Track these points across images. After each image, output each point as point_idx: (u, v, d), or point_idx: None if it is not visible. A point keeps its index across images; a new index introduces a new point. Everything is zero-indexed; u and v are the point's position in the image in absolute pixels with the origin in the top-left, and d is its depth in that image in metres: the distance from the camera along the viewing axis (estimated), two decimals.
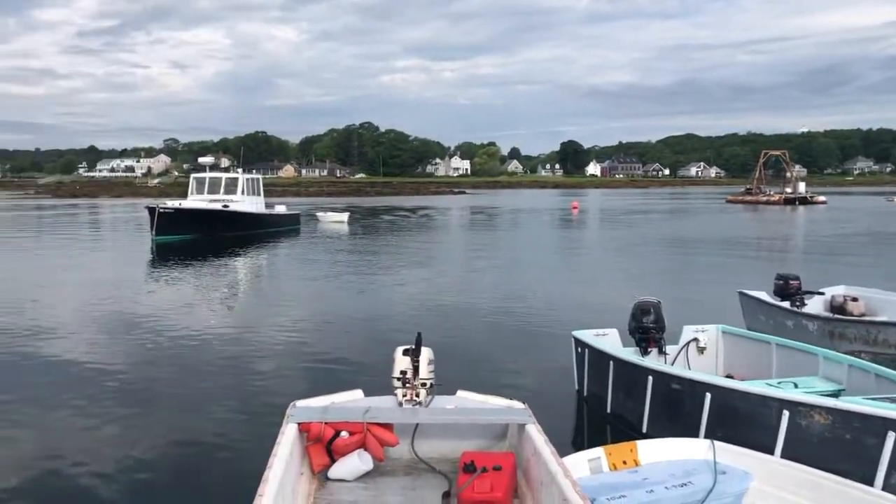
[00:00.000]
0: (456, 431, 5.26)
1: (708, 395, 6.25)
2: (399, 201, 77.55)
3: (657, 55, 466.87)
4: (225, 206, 32.67)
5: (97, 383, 9.40)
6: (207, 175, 35.46)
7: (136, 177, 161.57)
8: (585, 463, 5.11)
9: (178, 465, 6.79)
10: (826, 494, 4.60)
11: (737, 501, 4.80)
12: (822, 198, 69.17)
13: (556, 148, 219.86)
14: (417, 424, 5.23)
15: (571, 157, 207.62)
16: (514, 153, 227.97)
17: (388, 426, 5.08)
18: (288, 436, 4.72)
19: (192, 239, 29.61)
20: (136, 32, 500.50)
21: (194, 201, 33.39)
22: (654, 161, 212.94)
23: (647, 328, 8.00)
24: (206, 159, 39.30)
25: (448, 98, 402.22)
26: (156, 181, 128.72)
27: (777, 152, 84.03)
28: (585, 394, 8.35)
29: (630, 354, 7.64)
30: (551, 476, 4.15)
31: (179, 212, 30.81)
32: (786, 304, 10.66)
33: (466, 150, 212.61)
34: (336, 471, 4.94)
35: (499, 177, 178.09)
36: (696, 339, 8.34)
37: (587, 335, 8.26)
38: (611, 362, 7.57)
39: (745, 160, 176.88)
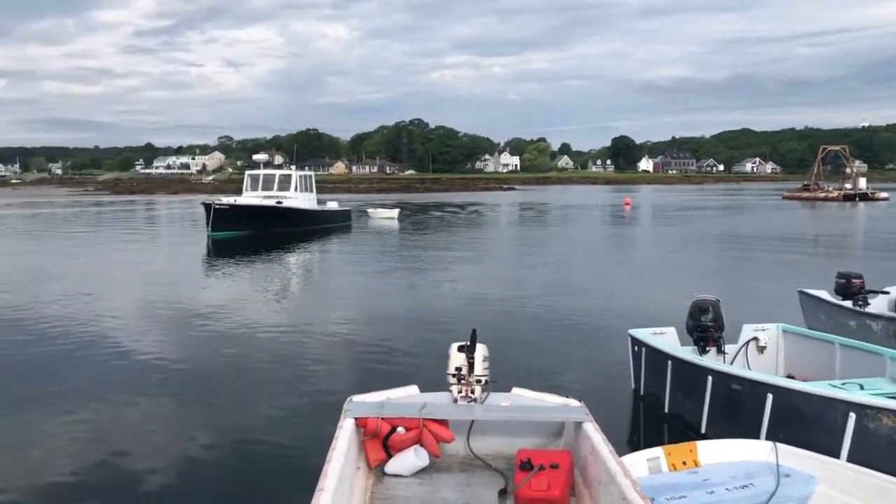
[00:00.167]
0: (511, 429, 5.24)
1: (770, 396, 6.11)
2: (448, 198, 77.62)
3: (712, 49, 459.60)
4: (278, 202, 33.09)
5: (154, 376, 9.60)
6: (261, 172, 35.97)
7: (191, 174, 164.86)
8: (644, 462, 5.04)
9: (234, 457, 6.90)
10: (894, 501, 4.45)
11: None
12: (883, 194, 66.82)
13: (608, 143, 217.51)
14: (473, 421, 5.22)
15: (623, 152, 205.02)
16: (565, 149, 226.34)
17: (443, 422, 5.09)
18: (345, 430, 4.76)
19: (247, 235, 30.06)
20: (190, 32, 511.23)
21: (249, 198, 33.89)
22: (709, 157, 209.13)
23: (706, 327, 7.85)
24: (261, 156, 39.91)
25: (498, 94, 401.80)
26: (210, 178, 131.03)
27: (836, 147, 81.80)
28: (642, 393, 8.25)
29: (688, 354, 7.52)
30: (610, 475, 4.11)
31: (234, 208, 31.31)
32: (848, 304, 10.35)
33: (516, 146, 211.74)
34: (392, 466, 4.96)
35: (549, 173, 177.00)
36: (755, 339, 8.16)
37: (644, 334, 8.16)
38: (669, 361, 7.45)
39: (802, 156, 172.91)
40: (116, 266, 21.92)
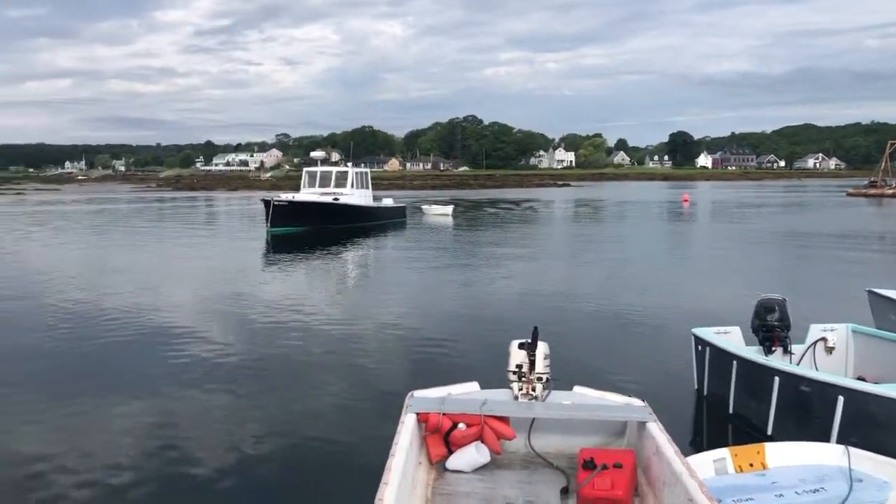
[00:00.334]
0: (573, 427, 5.19)
1: (840, 399, 5.93)
2: (502, 194, 77.39)
3: (773, 42, 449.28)
4: (335, 198, 33.44)
5: (214, 369, 9.76)
6: (319, 169, 36.39)
7: (249, 170, 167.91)
8: (710, 463, 4.96)
9: (295, 450, 6.97)
10: None
11: None
12: None
13: (665, 139, 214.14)
14: (534, 419, 5.20)
15: (681, 148, 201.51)
16: (621, 144, 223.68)
17: (504, 420, 5.08)
18: (407, 425, 4.79)
19: (305, 231, 30.45)
20: (249, 31, 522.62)
21: (307, 194, 34.31)
22: (769, 152, 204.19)
23: (772, 326, 7.67)
24: (318, 153, 40.37)
25: (552, 89, 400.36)
26: (268, 175, 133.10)
27: None
28: (705, 393, 8.11)
29: (754, 354, 7.35)
30: (675, 476, 4.05)
31: (293, 204, 31.72)
32: None
33: (571, 142, 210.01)
34: (454, 462, 4.97)
35: (605, 169, 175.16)
36: (823, 339, 7.94)
37: (708, 333, 8.01)
38: (734, 361, 7.30)
39: (868, 151, 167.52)
40: (178, 260, 22.45)
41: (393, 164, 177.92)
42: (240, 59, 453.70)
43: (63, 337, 11.66)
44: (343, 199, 33.77)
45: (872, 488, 4.61)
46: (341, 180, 35.27)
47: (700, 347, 8.10)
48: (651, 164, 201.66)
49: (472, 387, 5.53)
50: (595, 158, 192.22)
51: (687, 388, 8.44)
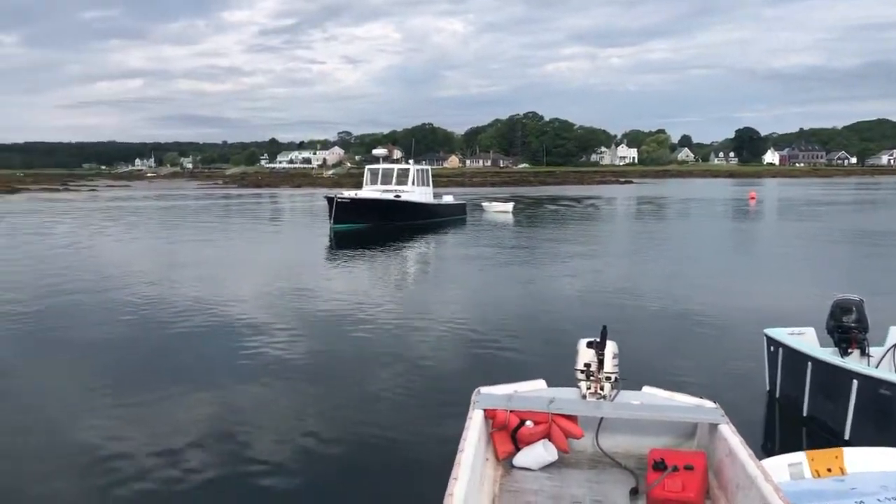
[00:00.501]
0: (642, 428, 5.13)
1: None
2: (563, 191, 76.74)
3: (843, 36, 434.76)
4: (397, 196, 33.67)
5: (278, 362, 9.89)
6: (381, 166, 36.72)
7: (312, 168, 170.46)
8: (785, 468, 4.82)
9: (360, 442, 7.04)
10: None
11: None
12: None
13: (731, 135, 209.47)
14: (602, 418, 5.15)
15: (747, 144, 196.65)
16: (685, 141, 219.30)
17: (572, 418, 5.04)
18: (475, 421, 4.79)
19: (367, 227, 30.76)
20: (312, 30, 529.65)
21: (369, 192, 34.66)
22: (840, 149, 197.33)
23: (848, 328, 7.43)
24: (380, 151, 40.78)
25: (615, 85, 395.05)
26: (330, 172, 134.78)
27: None
28: (778, 395, 7.91)
29: (830, 355, 7.14)
30: (749, 479, 3.96)
31: (355, 201, 32.09)
32: None
33: (634, 138, 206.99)
34: (521, 459, 4.96)
35: (668, 165, 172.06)
36: None
37: (781, 333, 7.80)
38: (809, 363, 7.10)
39: None
40: (244, 255, 22.96)
41: (452, 162, 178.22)
42: (303, 58, 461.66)
43: (134, 327, 12.04)
44: (404, 197, 33.98)
45: None
46: (403, 178, 35.50)
47: (772, 348, 7.90)
48: (716, 161, 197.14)
49: (539, 384, 5.51)
50: (658, 155, 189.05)
51: (758, 389, 8.26)
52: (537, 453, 4.93)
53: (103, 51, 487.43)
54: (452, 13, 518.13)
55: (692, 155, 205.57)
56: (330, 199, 31.82)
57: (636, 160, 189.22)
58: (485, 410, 5.01)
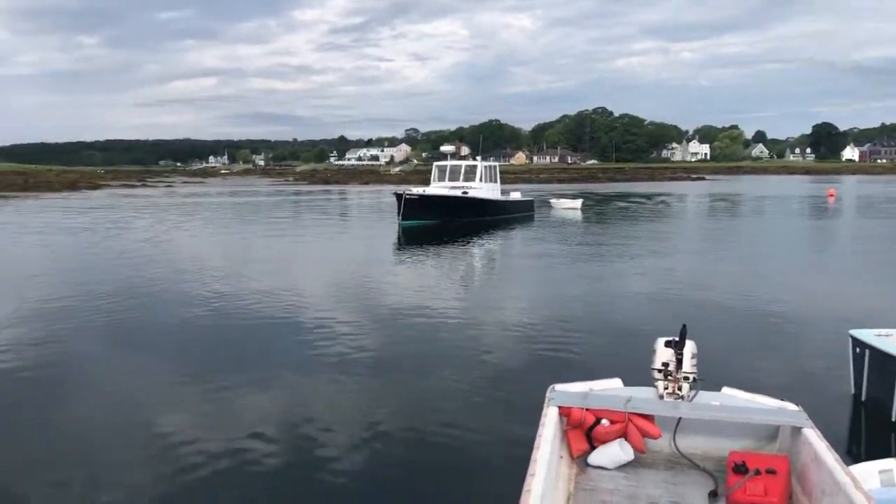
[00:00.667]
0: (721, 429, 5.02)
1: None
2: (632, 187, 75.53)
3: None
4: (465, 192, 33.70)
5: (346, 356, 9.99)
6: (448, 163, 36.78)
7: (379, 165, 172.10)
8: (875, 474, 4.66)
9: (434, 437, 7.07)
10: None
11: None
12: None
13: (808, 130, 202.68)
14: (680, 419, 5.06)
15: (825, 140, 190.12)
16: (760, 136, 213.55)
17: (649, 418, 4.98)
18: (550, 418, 4.77)
19: (435, 224, 30.89)
20: (381, 28, 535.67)
21: (437, 188, 34.77)
22: None
23: None
24: (447, 148, 40.86)
25: (687, 80, 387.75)
26: (397, 169, 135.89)
27: None
28: (864, 399, 7.63)
29: None
30: (837, 485, 3.84)
31: (423, 198, 32.24)
32: None
33: (706, 134, 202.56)
34: (596, 457, 4.92)
35: (742, 162, 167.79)
36: None
37: (868, 335, 7.53)
38: None
39: None
40: (315, 250, 23.37)
41: (520, 158, 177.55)
42: (371, 56, 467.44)
43: (207, 319, 12.38)
44: (472, 193, 33.98)
45: None
46: (470, 174, 35.50)
47: (858, 350, 7.63)
48: (792, 158, 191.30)
49: (615, 383, 5.44)
50: (731, 151, 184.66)
51: (842, 392, 7.99)
52: (613, 452, 4.89)
53: (179, 51, 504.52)
54: (520, 9, 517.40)
55: (766, 151, 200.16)
56: (399, 196, 32.06)
57: (708, 156, 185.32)
58: (559, 408, 4.98)
